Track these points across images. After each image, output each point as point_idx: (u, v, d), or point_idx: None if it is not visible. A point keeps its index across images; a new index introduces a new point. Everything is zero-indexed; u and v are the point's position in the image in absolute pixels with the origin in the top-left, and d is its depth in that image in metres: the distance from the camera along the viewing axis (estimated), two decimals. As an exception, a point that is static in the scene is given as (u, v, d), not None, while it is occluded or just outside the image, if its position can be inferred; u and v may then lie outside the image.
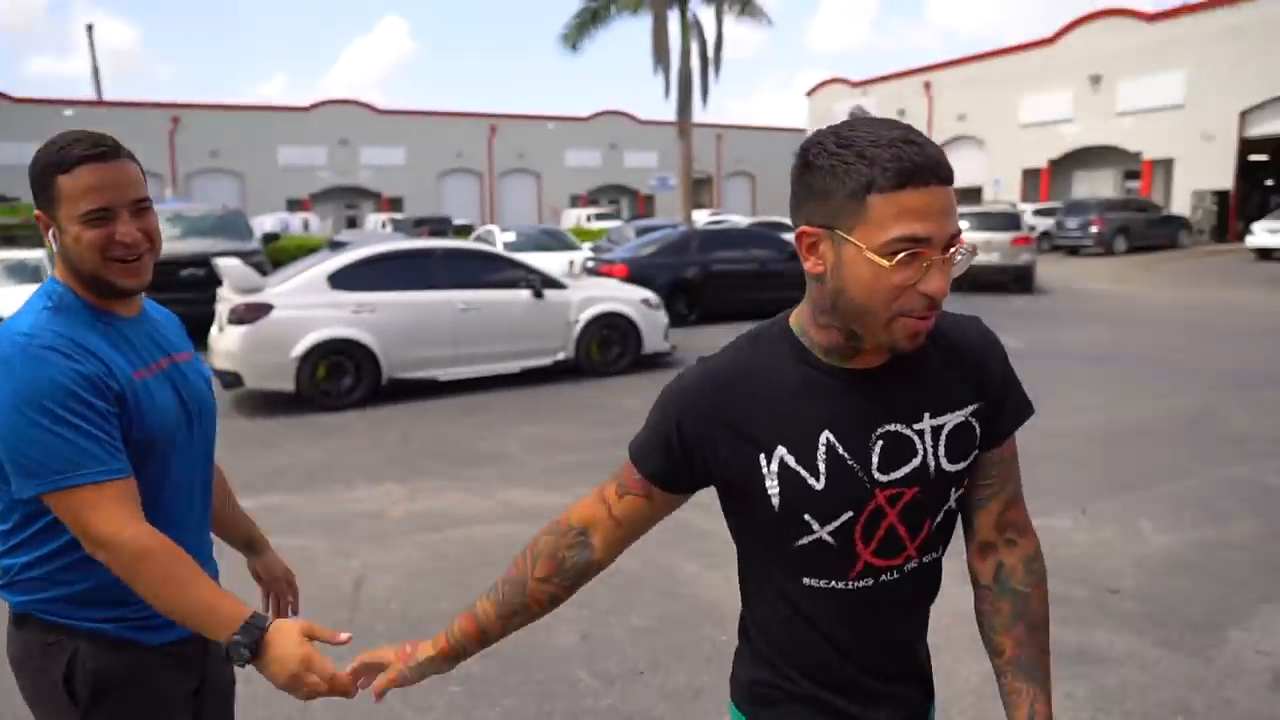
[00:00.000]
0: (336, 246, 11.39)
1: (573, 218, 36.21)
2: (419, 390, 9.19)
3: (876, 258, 1.12)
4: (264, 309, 8.46)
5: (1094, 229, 26.80)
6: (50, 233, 1.55)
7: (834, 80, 48.18)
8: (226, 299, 8.81)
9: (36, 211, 1.55)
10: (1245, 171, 31.26)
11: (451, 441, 7.45)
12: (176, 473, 1.64)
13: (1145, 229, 27.64)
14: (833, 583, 1.29)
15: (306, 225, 28.86)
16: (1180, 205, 31.57)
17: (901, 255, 1.12)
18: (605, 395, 9.10)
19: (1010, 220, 18.55)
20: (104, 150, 1.50)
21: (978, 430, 1.32)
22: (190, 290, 12.16)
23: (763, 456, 1.25)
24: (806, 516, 1.25)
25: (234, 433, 7.43)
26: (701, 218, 28.15)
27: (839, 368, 1.27)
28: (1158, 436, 7.11)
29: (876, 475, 1.25)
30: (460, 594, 4.29)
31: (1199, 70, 30.96)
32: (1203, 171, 31.35)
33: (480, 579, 4.49)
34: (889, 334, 1.18)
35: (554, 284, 9.96)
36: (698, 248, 14.66)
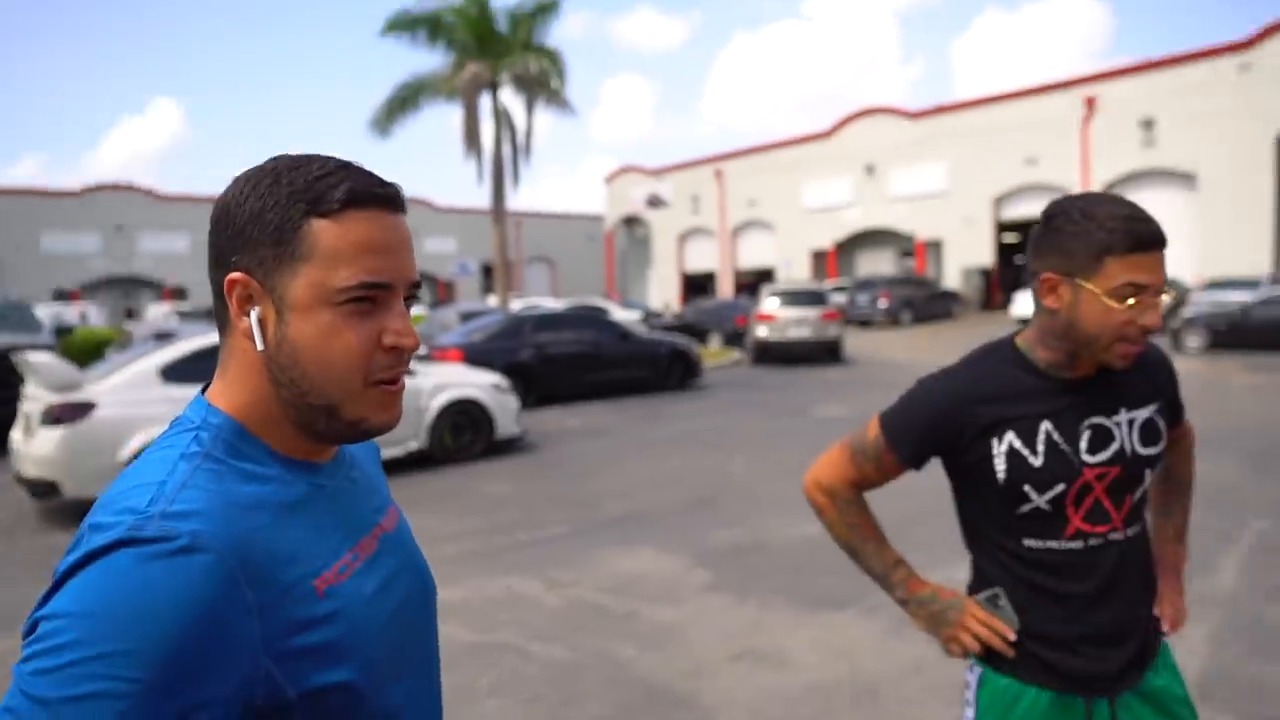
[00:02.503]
0: (163, 338, 10.52)
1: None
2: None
3: (1111, 301, 1.50)
4: (86, 408, 7.64)
5: (882, 304, 28.98)
6: (249, 315, 0.90)
7: (630, 168, 49.91)
8: (36, 398, 7.90)
9: (234, 275, 0.89)
10: (1001, 250, 34.84)
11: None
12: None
13: (925, 303, 30.21)
14: (1048, 543, 1.61)
15: (84, 318, 26.46)
16: (951, 280, 34.69)
17: (1131, 300, 1.50)
18: (467, 482, 8.79)
19: (818, 297, 19.67)
20: (386, 192, 0.93)
21: (1160, 422, 1.68)
22: (-28, 390, 10.89)
23: (994, 440, 1.61)
24: (1026, 488, 1.58)
25: (47, 552, 6.60)
26: (512, 303, 28.13)
27: (1058, 377, 1.63)
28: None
29: (1085, 457, 1.59)
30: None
31: (958, 162, 34.49)
32: (968, 250, 34.73)
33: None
34: (1108, 354, 1.55)
35: (403, 370, 9.59)
36: (531, 330, 14.60)
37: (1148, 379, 1.70)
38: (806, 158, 40.45)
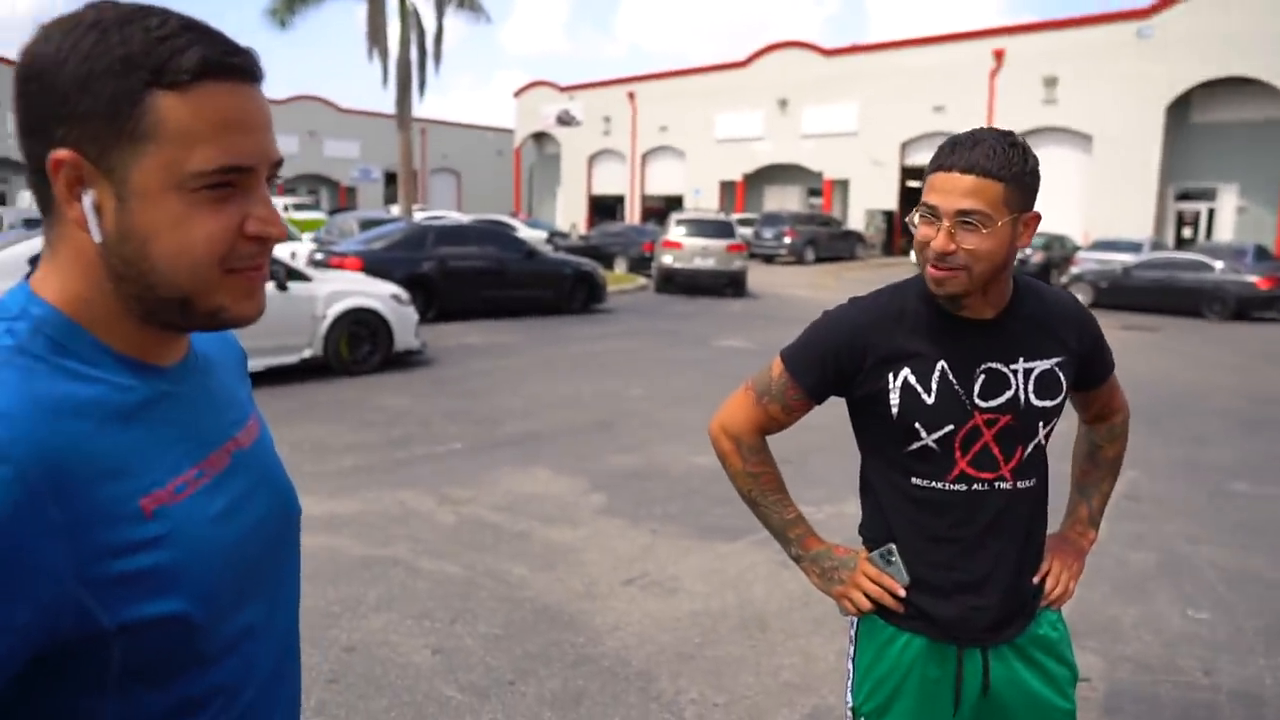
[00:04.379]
0: (32, 225, 9.86)
1: (270, 206, 33.79)
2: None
3: (913, 218, 1.60)
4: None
5: (787, 240, 29.28)
6: (77, 197, 0.77)
7: (541, 83, 48.70)
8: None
9: (60, 153, 0.75)
10: (906, 195, 35.49)
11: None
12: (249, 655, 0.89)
13: (829, 241, 30.63)
14: (933, 483, 1.61)
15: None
16: (855, 221, 35.21)
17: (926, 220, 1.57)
18: (363, 394, 8.59)
19: (725, 228, 19.71)
20: (244, 60, 0.80)
21: (1061, 376, 1.66)
22: None
23: (890, 375, 1.61)
24: (917, 425, 1.59)
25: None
26: (415, 213, 27.39)
27: (960, 317, 1.61)
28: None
29: (976, 400, 1.59)
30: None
31: (869, 103, 34.75)
32: (874, 193, 35.23)
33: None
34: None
35: (298, 275, 9.27)
36: (433, 243, 14.24)
37: (1056, 331, 1.68)
38: (721, 87, 40.12)
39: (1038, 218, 1.58)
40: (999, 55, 31.41)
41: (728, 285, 19.36)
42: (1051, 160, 30.59)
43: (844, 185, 36.76)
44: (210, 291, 0.80)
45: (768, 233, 29.91)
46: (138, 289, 0.79)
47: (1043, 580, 1.74)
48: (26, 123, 0.77)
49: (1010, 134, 1.54)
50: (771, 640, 3.81)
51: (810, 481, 5.70)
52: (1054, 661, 1.72)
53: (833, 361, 1.65)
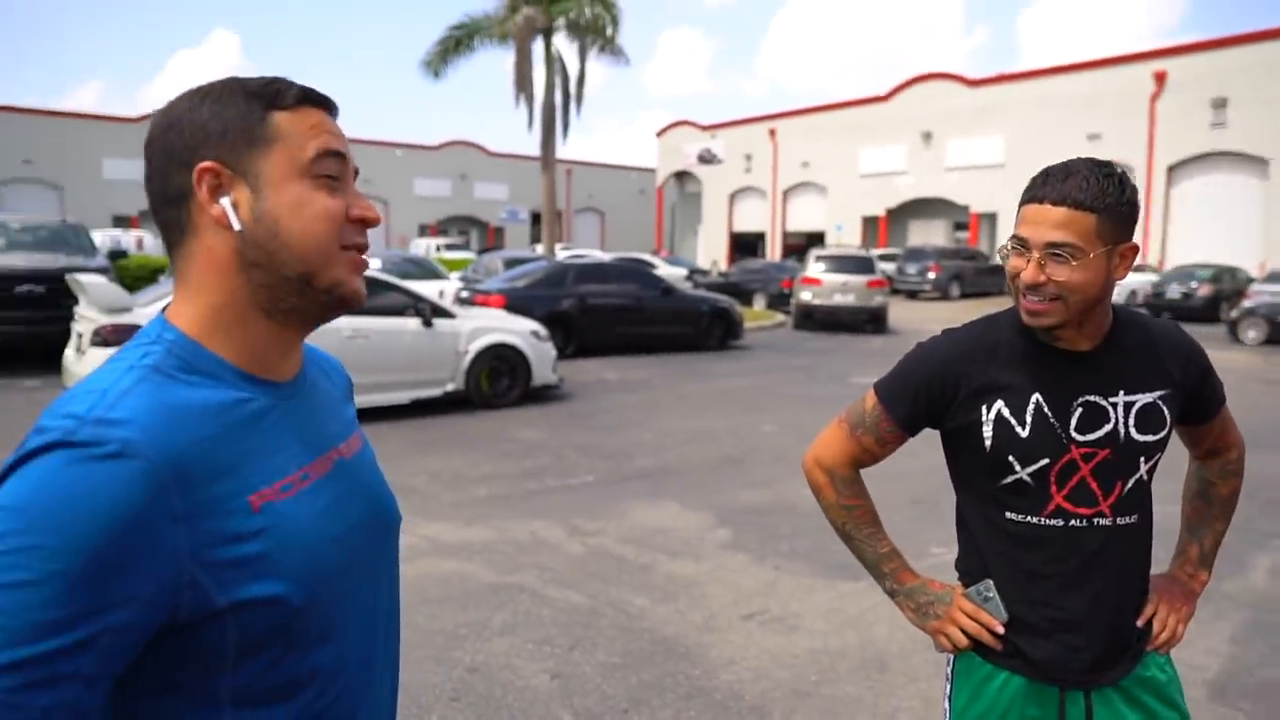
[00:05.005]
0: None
1: (422, 247, 35.47)
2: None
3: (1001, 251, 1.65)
4: (133, 330, 7.82)
5: (932, 275, 28.61)
6: (217, 199, 0.94)
7: (683, 123, 49.43)
8: (88, 319, 8.11)
9: (205, 163, 0.93)
10: (1059, 227, 34.09)
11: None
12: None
13: (975, 276, 29.70)
14: (1029, 518, 1.59)
15: (140, 243, 26.96)
16: (1003, 256, 34.03)
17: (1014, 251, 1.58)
18: (500, 427, 8.90)
19: (865, 264, 19.45)
20: (326, 97, 1.03)
21: (1166, 411, 1.61)
22: (27, 309, 11.21)
23: (984, 407, 1.60)
24: (1010, 458, 1.57)
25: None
26: (559, 252, 28.20)
27: (1058, 348, 1.59)
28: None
29: (1073, 434, 1.56)
30: (407, 634, 4.07)
31: (1017, 134, 33.66)
32: (1023, 225, 33.97)
33: (422, 616, 4.29)
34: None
35: (443, 313, 9.70)
36: (573, 280, 14.64)
37: (1159, 363, 1.63)
38: (863, 121, 39.74)
39: (1135, 249, 1.56)
40: (1160, 78, 29.93)
41: (868, 321, 19.08)
42: (1221, 187, 28.86)
43: (991, 219, 35.66)
44: (329, 264, 0.97)
45: (911, 268, 29.33)
46: (266, 274, 0.95)
47: (1149, 622, 1.67)
48: (166, 159, 0.96)
49: (1108, 164, 1.52)
50: (891, 682, 3.73)
51: (942, 522, 5.55)
52: (1163, 705, 1.65)
53: (925, 393, 1.65)
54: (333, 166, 0.98)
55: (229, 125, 0.94)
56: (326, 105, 1.02)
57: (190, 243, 0.97)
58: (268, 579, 0.88)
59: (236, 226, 0.94)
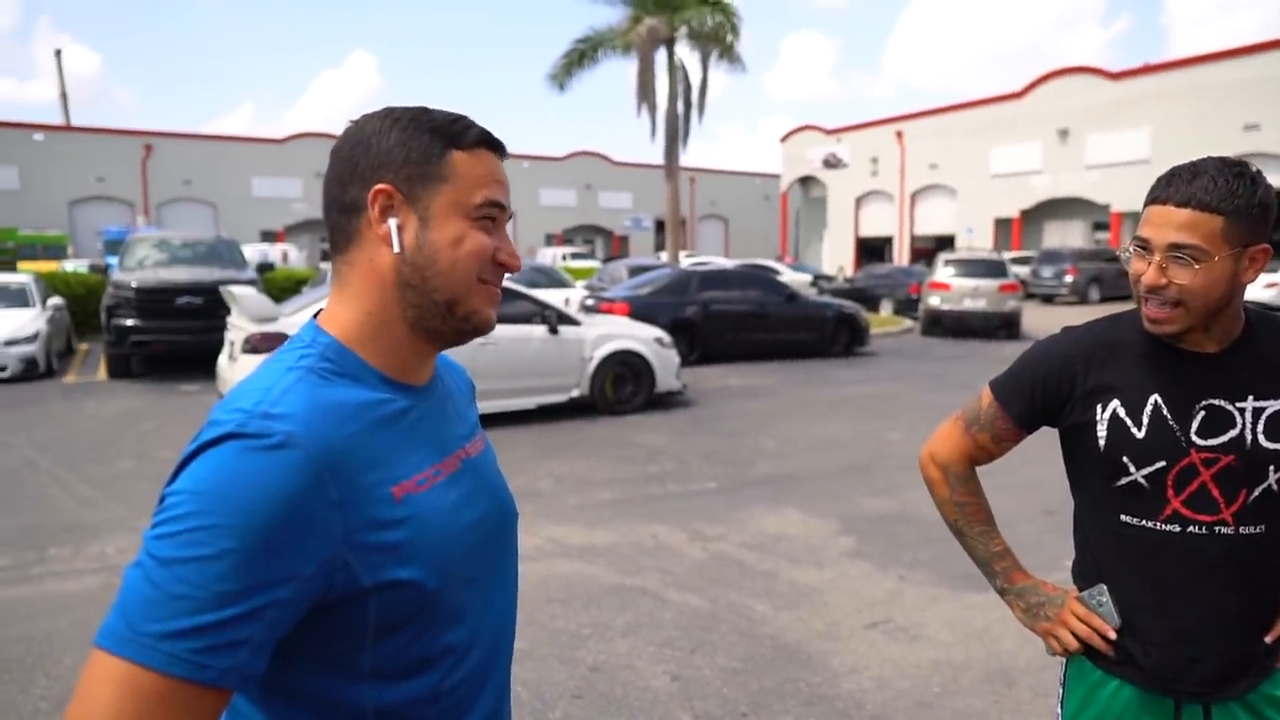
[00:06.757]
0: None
1: (549, 256, 36.22)
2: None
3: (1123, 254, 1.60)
4: (280, 338, 8.31)
5: (1069, 278, 27.41)
6: (386, 219, 1.04)
7: (807, 127, 48.87)
8: (240, 328, 8.66)
9: (382, 185, 1.03)
10: (1210, 226, 32.17)
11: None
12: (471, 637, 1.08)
13: (1116, 279, 28.20)
14: (1144, 522, 1.55)
15: (285, 257, 28.49)
16: (1148, 257, 32.30)
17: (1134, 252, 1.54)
18: (624, 432, 9.03)
19: (997, 268, 18.82)
20: (500, 141, 1.11)
21: None
22: (186, 319, 12.03)
23: (1099, 406, 1.57)
24: (1125, 459, 1.54)
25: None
26: (683, 259, 28.31)
27: (1183, 350, 1.55)
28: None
29: (1194, 438, 1.51)
30: (532, 632, 4.20)
31: (1163, 127, 31.92)
32: (1170, 225, 32.16)
33: (546, 615, 4.42)
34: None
35: (568, 320, 9.91)
36: (697, 287, 14.70)
37: None
38: (994, 120, 38.42)
39: (1267, 251, 1.50)
40: (1325, 65, 27.89)
41: (1000, 327, 18.45)
42: (1395, 180, 26.64)
43: (1134, 218, 33.82)
44: (469, 295, 1.07)
45: (1047, 271, 28.17)
46: (418, 295, 1.05)
47: (1277, 640, 1.59)
48: (349, 171, 1.06)
49: (1240, 164, 1.48)
50: (1017, 697, 3.63)
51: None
52: None
53: (1041, 390, 1.64)
54: (493, 212, 1.08)
55: (410, 156, 1.05)
56: (499, 150, 1.12)
57: (354, 251, 1.07)
58: (408, 564, 0.97)
59: (397, 248, 1.04)
